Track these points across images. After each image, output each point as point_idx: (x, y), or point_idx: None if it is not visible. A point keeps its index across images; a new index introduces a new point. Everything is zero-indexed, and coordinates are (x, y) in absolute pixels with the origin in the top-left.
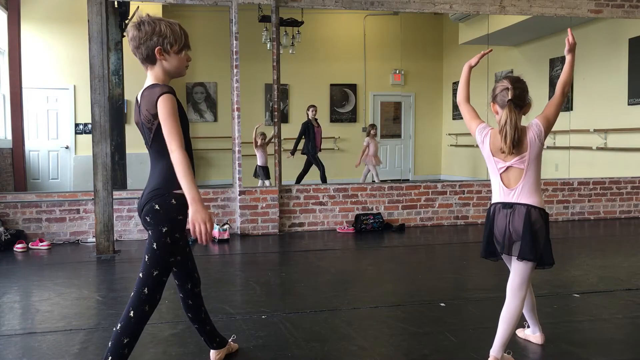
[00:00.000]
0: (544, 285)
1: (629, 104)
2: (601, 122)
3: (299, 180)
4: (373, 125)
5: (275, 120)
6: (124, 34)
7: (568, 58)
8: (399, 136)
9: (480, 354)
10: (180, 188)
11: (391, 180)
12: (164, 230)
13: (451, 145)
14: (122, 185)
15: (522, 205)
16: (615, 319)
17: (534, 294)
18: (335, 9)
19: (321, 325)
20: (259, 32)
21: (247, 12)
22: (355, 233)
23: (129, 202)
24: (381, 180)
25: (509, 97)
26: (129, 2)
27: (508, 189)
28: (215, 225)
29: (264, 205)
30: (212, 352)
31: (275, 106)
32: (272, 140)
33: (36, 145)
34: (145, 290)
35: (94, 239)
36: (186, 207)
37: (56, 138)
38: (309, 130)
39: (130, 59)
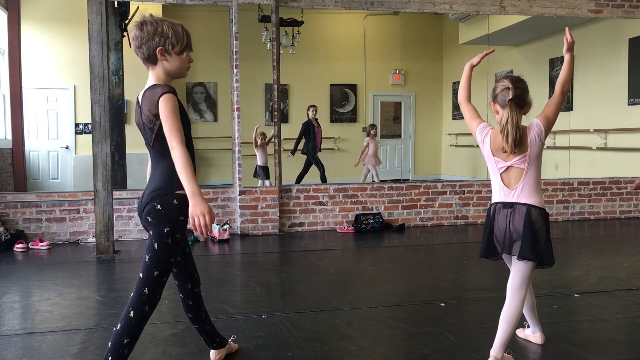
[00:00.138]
0: (544, 285)
1: (629, 104)
2: (601, 122)
3: (298, 180)
4: (373, 125)
5: (275, 120)
6: (124, 34)
7: (567, 57)
8: (399, 136)
9: (480, 354)
10: (182, 188)
11: (391, 180)
12: (166, 230)
13: (451, 145)
14: (122, 185)
15: (523, 205)
16: (615, 319)
17: (534, 294)
18: (335, 9)
19: (321, 325)
20: (259, 32)
21: (247, 12)
22: (355, 233)
23: (129, 202)
24: (381, 180)
25: (510, 97)
26: (129, 2)
27: (508, 188)
28: (215, 225)
29: (264, 205)
30: (212, 352)
31: (275, 106)
32: (272, 140)
33: (36, 145)
34: (146, 290)
35: (94, 239)
36: (187, 207)
37: (56, 138)
38: (309, 130)
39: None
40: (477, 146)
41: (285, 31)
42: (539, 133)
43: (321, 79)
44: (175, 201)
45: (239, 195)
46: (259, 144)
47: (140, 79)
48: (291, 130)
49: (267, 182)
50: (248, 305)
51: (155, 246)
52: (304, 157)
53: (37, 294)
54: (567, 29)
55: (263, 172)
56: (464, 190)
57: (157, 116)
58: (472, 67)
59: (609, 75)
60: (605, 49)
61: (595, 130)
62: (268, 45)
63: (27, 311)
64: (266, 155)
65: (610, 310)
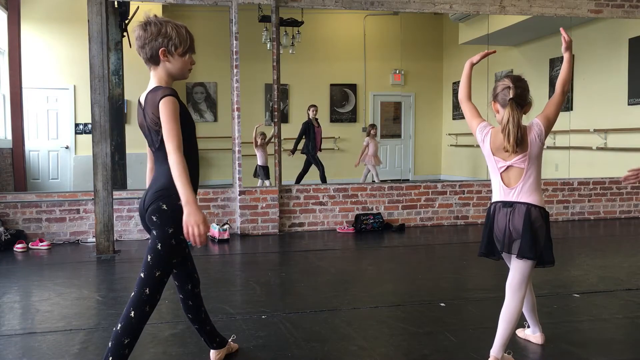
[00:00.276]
0: (544, 285)
1: (629, 104)
2: (601, 122)
3: (298, 180)
4: (373, 125)
5: (275, 120)
6: (124, 34)
7: (566, 56)
8: (399, 136)
9: (480, 354)
10: None
11: (391, 180)
12: (170, 231)
13: (451, 145)
14: (122, 185)
15: (522, 203)
16: (615, 319)
17: (534, 294)
18: (335, 9)
19: (321, 325)
20: (259, 32)
21: (247, 12)
22: (355, 233)
23: (129, 202)
24: (381, 180)
25: (511, 96)
26: (129, 2)
27: (508, 188)
28: (215, 225)
29: (264, 205)
30: (212, 352)
31: (275, 106)
32: (272, 140)
33: (36, 145)
34: (147, 290)
35: (94, 239)
36: None
37: (56, 138)
38: (309, 130)
39: (130, 59)
40: (478, 146)
41: (285, 31)
42: (539, 133)
43: (321, 79)
44: (180, 202)
45: (239, 195)
46: (259, 143)
47: (140, 79)
48: (291, 130)
49: (267, 182)
50: (248, 305)
51: (159, 246)
52: (304, 157)
53: (37, 294)
54: (561, 29)
55: (263, 171)
56: (464, 190)
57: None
58: (472, 65)
59: (609, 75)
60: (605, 49)
61: (595, 130)
62: (268, 45)
63: (27, 311)
64: (266, 155)
65: (610, 310)
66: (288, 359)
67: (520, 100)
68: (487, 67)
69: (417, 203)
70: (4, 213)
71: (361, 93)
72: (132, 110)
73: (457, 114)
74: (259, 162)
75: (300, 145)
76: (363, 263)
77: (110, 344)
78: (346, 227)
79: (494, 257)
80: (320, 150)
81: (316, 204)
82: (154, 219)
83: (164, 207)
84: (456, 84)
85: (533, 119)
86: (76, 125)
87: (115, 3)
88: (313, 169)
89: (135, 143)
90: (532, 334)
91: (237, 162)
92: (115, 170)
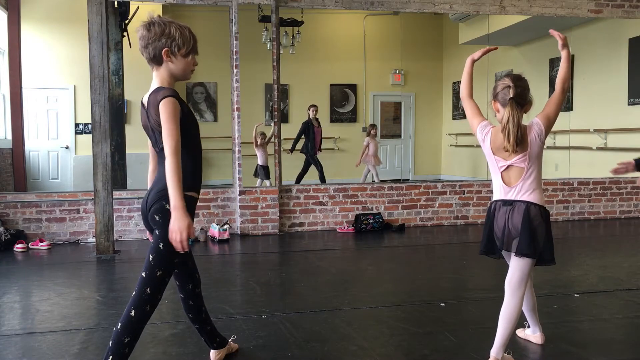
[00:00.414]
0: (544, 285)
1: (629, 104)
2: (601, 122)
3: (298, 180)
4: (373, 125)
5: (275, 120)
6: (124, 34)
7: (563, 54)
8: (399, 136)
9: (480, 354)
10: (189, 190)
11: (391, 180)
12: None
13: (451, 145)
14: (122, 185)
15: (522, 202)
16: (615, 319)
17: (534, 294)
18: (335, 9)
19: (321, 325)
20: (259, 32)
21: (247, 12)
22: (355, 233)
23: (129, 202)
24: (381, 180)
25: (511, 95)
26: (129, 2)
27: (508, 187)
28: (215, 225)
29: (264, 205)
30: (212, 352)
31: (275, 106)
32: (272, 139)
33: (36, 145)
34: (148, 290)
35: (94, 239)
36: (194, 209)
37: (56, 138)
38: (309, 130)
39: (130, 59)
40: (478, 146)
41: (285, 31)
42: (539, 132)
43: (321, 79)
44: (182, 202)
45: (239, 195)
46: (258, 143)
47: (140, 79)
48: (291, 130)
49: (267, 182)
50: (248, 305)
51: (161, 246)
52: (304, 156)
53: (37, 294)
54: (551, 31)
55: (263, 171)
56: (464, 190)
57: None
58: (474, 61)
59: (609, 75)
60: (605, 49)
61: (595, 130)
62: (268, 45)
63: (27, 311)
64: (266, 154)
65: (610, 310)
66: (288, 359)
67: (521, 100)
68: (487, 67)
69: (417, 203)
70: (4, 213)
71: (361, 93)
72: (132, 110)
73: (457, 114)
74: (260, 162)
75: (300, 145)
76: (363, 263)
77: (110, 343)
78: (346, 227)
79: (494, 255)
80: (320, 150)
81: (316, 204)
82: (157, 219)
83: (167, 206)
84: (456, 84)
85: (533, 119)
86: (76, 125)
87: (115, 3)
88: (313, 169)
89: (135, 143)
90: (532, 334)
91: (237, 162)
92: (115, 170)
